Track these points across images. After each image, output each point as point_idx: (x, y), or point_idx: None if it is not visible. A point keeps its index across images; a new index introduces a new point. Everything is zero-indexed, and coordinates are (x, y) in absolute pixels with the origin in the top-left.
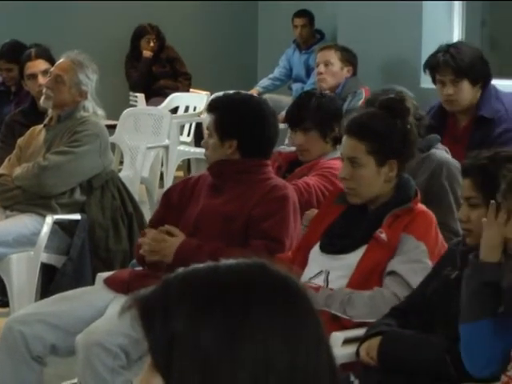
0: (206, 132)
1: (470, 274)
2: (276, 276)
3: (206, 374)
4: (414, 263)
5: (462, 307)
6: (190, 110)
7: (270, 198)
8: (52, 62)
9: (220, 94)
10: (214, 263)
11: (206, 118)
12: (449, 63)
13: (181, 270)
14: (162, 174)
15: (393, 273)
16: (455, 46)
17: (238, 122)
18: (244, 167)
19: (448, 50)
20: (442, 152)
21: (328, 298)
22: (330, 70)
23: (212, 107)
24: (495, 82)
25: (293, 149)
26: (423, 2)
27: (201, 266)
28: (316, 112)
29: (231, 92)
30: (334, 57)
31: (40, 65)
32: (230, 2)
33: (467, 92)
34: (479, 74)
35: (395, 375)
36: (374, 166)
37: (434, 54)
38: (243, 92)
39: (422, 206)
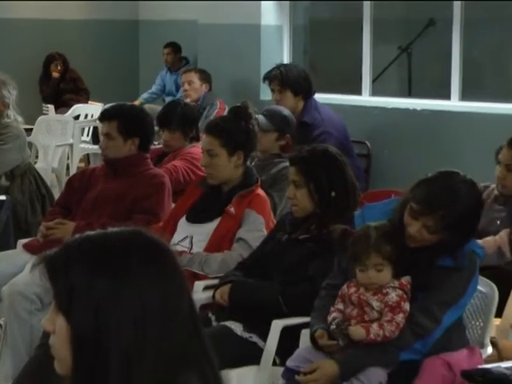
0: (102, 136)
1: None
2: (151, 239)
3: (98, 315)
4: (256, 232)
5: None
6: (89, 117)
7: (151, 183)
8: None
9: (111, 104)
10: (104, 230)
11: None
12: (277, 76)
13: (77, 235)
14: (68, 165)
15: (240, 239)
16: (286, 65)
17: (140, 123)
18: (132, 160)
19: (280, 67)
20: None
21: (189, 261)
22: (193, 88)
23: (110, 115)
24: (316, 95)
25: (158, 146)
26: (261, 35)
27: (93, 232)
28: (180, 118)
29: (121, 103)
30: (194, 77)
31: None
32: (118, 35)
33: (290, 100)
34: (301, 88)
35: (241, 312)
36: (226, 156)
37: (270, 70)
38: (128, 103)
39: (260, 190)
